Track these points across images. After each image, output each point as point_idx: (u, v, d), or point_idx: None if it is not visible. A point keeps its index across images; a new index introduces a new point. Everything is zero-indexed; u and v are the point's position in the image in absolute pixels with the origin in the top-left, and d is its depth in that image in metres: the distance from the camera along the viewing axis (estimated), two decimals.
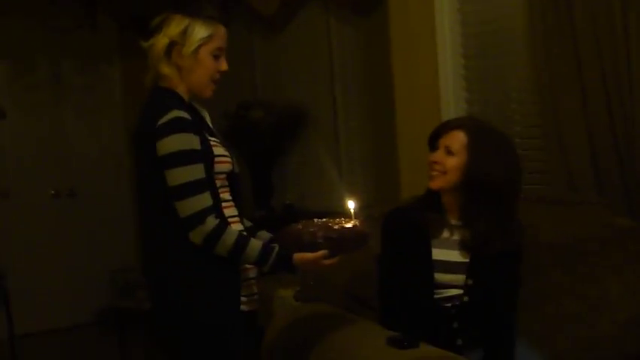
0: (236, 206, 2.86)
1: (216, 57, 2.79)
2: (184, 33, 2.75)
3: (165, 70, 2.77)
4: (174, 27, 2.76)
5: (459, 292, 3.00)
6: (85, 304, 6.96)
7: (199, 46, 2.75)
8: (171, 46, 2.76)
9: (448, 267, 3.01)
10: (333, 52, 5.69)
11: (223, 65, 2.82)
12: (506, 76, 4.32)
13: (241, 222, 2.87)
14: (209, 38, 2.76)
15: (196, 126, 2.73)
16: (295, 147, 5.98)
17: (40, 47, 6.82)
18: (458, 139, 3.00)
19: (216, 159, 2.76)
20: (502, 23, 4.31)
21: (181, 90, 2.80)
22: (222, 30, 2.80)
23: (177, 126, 2.66)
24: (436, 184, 3.04)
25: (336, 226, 2.69)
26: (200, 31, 2.75)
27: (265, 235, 2.96)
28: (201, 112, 2.93)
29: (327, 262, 2.70)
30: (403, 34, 4.57)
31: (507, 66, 4.31)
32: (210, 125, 2.93)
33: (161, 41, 2.77)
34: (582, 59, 3.68)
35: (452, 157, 3.00)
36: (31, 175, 6.83)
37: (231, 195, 2.85)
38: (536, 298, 3.25)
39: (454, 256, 3.03)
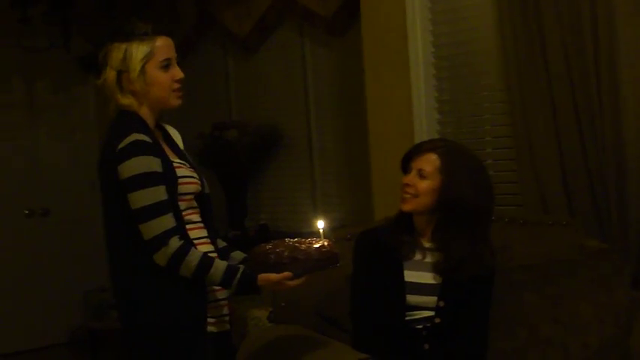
0: (207, 227, 2.84)
1: (165, 68, 2.76)
2: (125, 59, 2.73)
3: (123, 100, 2.77)
4: (115, 57, 2.75)
5: (431, 313, 2.97)
6: (58, 324, 6.88)
7: (143, 66, 2.73)
8: (120, 75, 2.75)
9: (420, 289, 2.99)
10: (307, 72, 5.69)
11: (177, 74, 2.79)
12: (479, 98, 4.32)
13: (213, 243, 2.84)
14: (150, 55, 2.73)
15: (157, 148, 2.71)
16: (270, 167, 5.96)
17: (14, 67, 6.77)
18: (430, 161, 2.98)
19: (180, 180, 2.74)
20: (475, 46, 4.32)
21: (145, 112, 2.78)
22: (161, 41, 2.77)
23: (136, 149, 2.64)
24: (408, 206, 3.02)
25: (303, 247, 2.67)
26: (139, 52, 2.73)
27: (239, 255, 2.94)
28: (171, 132, 2.92)
29: (292, 282, 2.67)
30: (376, 55, 4.57)
31: (480, 88, 4.32)
32: (181, 146, 2.91)
33: (109, 74, 2.77)
34: (553, 83, 3.70)
35: (424, 180, 2.98)
36: (4, 194, 6.76)
37: (201, 216, 2.82)
38: (507, 320, 3.22)
39: (426, 278, 3.01)
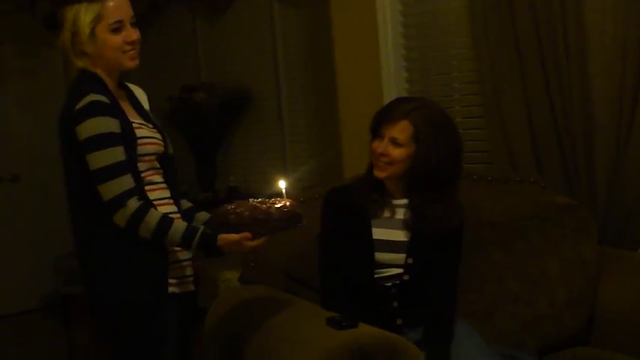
0: (170, 188, 2.81)
1: (116, 31, 2.70)
2: (75, 21, 2.68)
3: (78, 62, 2.73)
4: (68, 18, 2.69)
5: (399, 271, 2.96)
6: (29, 290, 6.84)
7: (93, 29, 2.67)
8: (73, 37, 2.70)
9: (389, 246, 2.98)
10: (276, 34, 5.64)
11: (130, 35, 2.72)
12: (447, 56, 4.29)
13: (176, 204, 2.82)
14: (99, 17, 2.67)
15: (115, 108, 2.67)
16: (239, 129, 5.93)
17: None
18: (404, 129, 2.94)
19: (140, 141, 2.70)
20: (442, 4, 4.28)
21: (102, 73, 2.74)
22: (112, 3, 2.69)
23: (93, 110, 2.61)
24: (383, 174, 2.99)
25: (264, 207, 2.64)
26: (87, 15, 2.67)
27: (204, 216, 2.92)
28: (136, 92, 2.88)
29: (252, 243, 2.64)
30: (345, 15, 4.53)
31: (448, 46, 4.28)
32: (146, 106, 2.87)
33: (64, 36, 2.72)
34: (521, 39, 3.67)
35: (398, 148, 2.94)
36: None
37: (164, 177, 2.79)
38: (476, 277, 3.23)
39: (395, 235, 3.00)
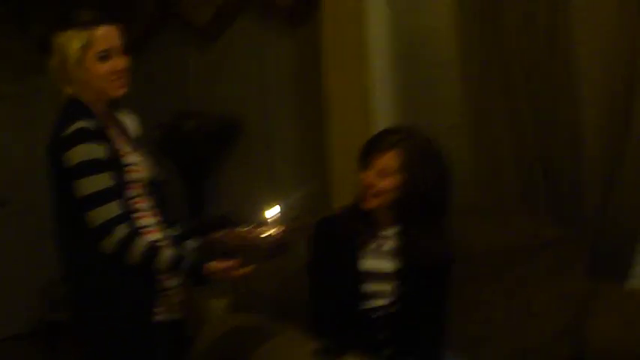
0: (159, 215, 2.81)
1: (104, 59, 2.71)
2: (64, 47, 2.69)
3: (66, 88, 2.74)
4: (56, 44, 2.71)
5: (387, 302, 2.96)
6: (17, 316, 6.78)
7: (81, 56, 2.68)
8: (62, 63, 2.71)
9: (376, 277, 2.97)
10: (266, 62, 5.64)
11: (117, 64, 2.73)
12: (436, 86, 4.29)
13: (164, 231, 2.82)
14: (87, 46, 2.68)
15: (102, 135, 2.67)
16: (229, 158, 5.92)
17: None
18: (391, 160, 2.94)
19: (128, 168, 2.71)
20: (433, 38, 4.29)
21: (90, 100, 2.74)
22: (102, 31, 2.70)
23: (80, 137, 2.62)
24: (370, 205, 2.99)
25: (251, 236, 2.66)
26: (75, 42, 2.68)
27: (193, 243, 2.92)
28: (126, 118, 2.88)
29: (240, 271, 2.66)
30: (335, 45, 4.53)
31: (438, 77, 4.28)
32: (136, 132, 2.89)
33: (53, 61, 2.73)
34: (510, 69, 3.68)
35: (386, 179, 2.94)
36: None
37: (155, 203, 2.80)
38: (464, 309, 3.22)
39: (383, 266, 2.99)
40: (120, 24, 2.77)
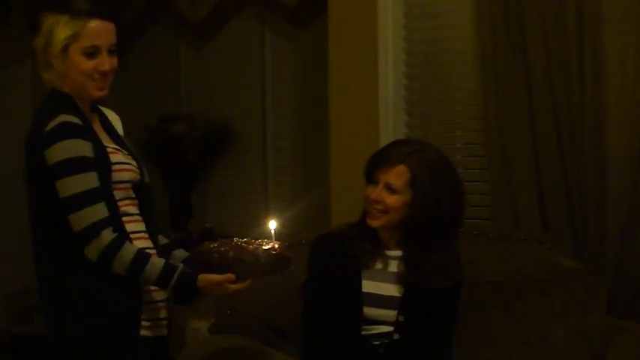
0: (146, 221, 2.78)
1: (89, 55, 2.67)
2: (52, 32, 2.66)
3: (45, 74, 2.71)
4: (45, 26, 2.68)
5: (389, 329, 2.95)
6: None
7: (66, 46, 2.65)
8: (45, 46, 2.68)
9: (379, 301, 2.96)
10: (265, 65, 5.63)
11: (102, 64, 2.68)
12: (451, 100, 4.32)
13: (152, 238, 2.79)
14: (75, 37, 2.64)
15: (88, 131, 2.65)
16: (219, 166, 5.90)
17: None
18: (400, 175, 2.93)
19: (115, 167, 2.68)
20: (450, 44, 4.32)
21: (72, 92, 2.71)
22: (94, 25, 2.67)
23: (64, 132, 2.59)
24: (377, 223, 2.98)
25: (250, 248, 2.62)
26: (64, 30, 2.65)
27: (182, 254, 2.89)
28: (110, 116, 2.86)
29: (235, 286, 2.63)
30: (342, 49, 4.53)
31: (452, 90, 4.31)
32: (120, 131, 2.86)
33: (38, 41, 2.70)
34: (533, 88, 3.69)
35: (394, 195, 2.93)
36: None
37: (140, 208, 2.77)
38: (473, 340, 3.21)
39: (387, 289, 2.98)
40: (116, 21, 2.75)
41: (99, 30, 2.68)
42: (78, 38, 2.65)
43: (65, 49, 2.66)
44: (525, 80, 3.70)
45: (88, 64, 2.67)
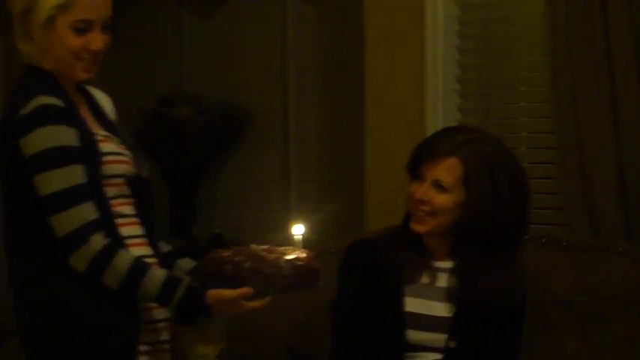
0: (144, 223, 2.79)
1: (80, 31, 2.68)
2: None
3: (21, 45, 2.72)
4: None
5: (438, 356, 2.94)
6: None
7: (52, 17, 2.65)
8: (27, 12, 2.68)
9: (426, 323, 2.95)
10: (287, 35, 5.65)
11: (94, 42, 2.69)
12: (514, 80, 4.34)
13: (151, 245, 2.80)
14: (65, 7, 2.65)
15: (72, 115, 2.66)
16: (231, 158, 5.93)
17: None
18: (450, 169, 2.92)
19: (105, 158, 2.69)
20: (512, 11, 4.34)
21: (53, 69, 2.72)
22: None
23: (43, 117, 2.60)
24: (423, 228, 2.97)
25: (271, 257, 2.61)
26: None
27: (188, 264, 2.90)
28: (99, 97, 2.88)
29: (252, 304, 2.63)
30: (382, 18, 4.57)
31: (516, 67, 4.34)
32: (111, 115, 2.87)
33: (16, 5, 2.71)
34: (615, 64, 3.69)
35: (443, 193, 2.93)
36: None
37: (136, 208, 2.78)
38: None
39: (435, 309, 2.97)
40: None
41: (93, 3, 2.69)
42: (69, 10, 2.66)
43: (51, 20, 2.66)
44: (606, 53, 3.69)
45: (77, 41, 2.68)
